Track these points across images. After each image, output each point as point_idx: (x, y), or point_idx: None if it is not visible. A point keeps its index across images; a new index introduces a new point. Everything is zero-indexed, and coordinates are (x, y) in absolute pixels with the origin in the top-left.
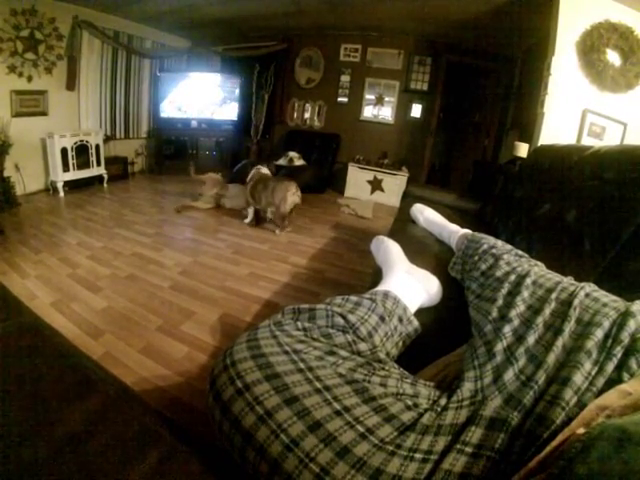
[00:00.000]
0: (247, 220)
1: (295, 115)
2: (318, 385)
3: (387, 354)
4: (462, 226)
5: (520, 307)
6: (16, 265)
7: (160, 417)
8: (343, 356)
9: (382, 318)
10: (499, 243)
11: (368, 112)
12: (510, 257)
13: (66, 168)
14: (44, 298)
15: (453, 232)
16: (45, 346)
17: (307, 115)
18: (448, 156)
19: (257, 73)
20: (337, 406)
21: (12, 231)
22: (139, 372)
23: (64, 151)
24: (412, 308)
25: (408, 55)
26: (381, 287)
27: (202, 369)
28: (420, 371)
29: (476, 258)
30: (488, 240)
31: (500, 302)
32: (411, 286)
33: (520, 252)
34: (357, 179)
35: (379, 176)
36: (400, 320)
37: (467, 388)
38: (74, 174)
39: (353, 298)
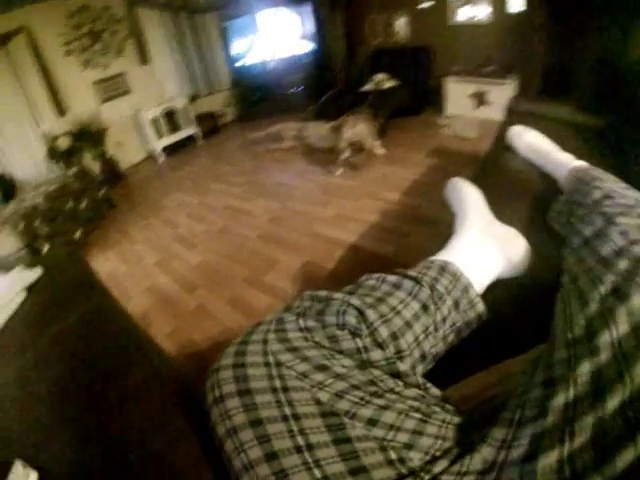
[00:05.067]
0: (337, 172)
1: (377, 32)
2: (287, 411)
3: (422, 356)
4: (580, 155)
5: (623, 326)
6: (127, 233)
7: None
8: (338, 373)
9: (425, 307)
10: (619, 189)
11: (457, 15)
12: (630, 220)
13: (159, 135)
14: (149, 259)
15: (561, 164)
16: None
17: (389, 30)
18: (569, 52)
19: None
20: (300, 441)
21: (122, 203)
22: (226, 323)
23: (154, 121)
24: (481, 283)
25: None
26: (442, 254)
27: None
28: (462, 381)
29: (581, 212)
30: (603, 182)
31: (594, 309)
32: (484, 251)
33: None
34: (457, 94)
35: (482, 88)
36: (456, 305)
37: (481, 456)
38: (167, 139)
39: (391, 278)
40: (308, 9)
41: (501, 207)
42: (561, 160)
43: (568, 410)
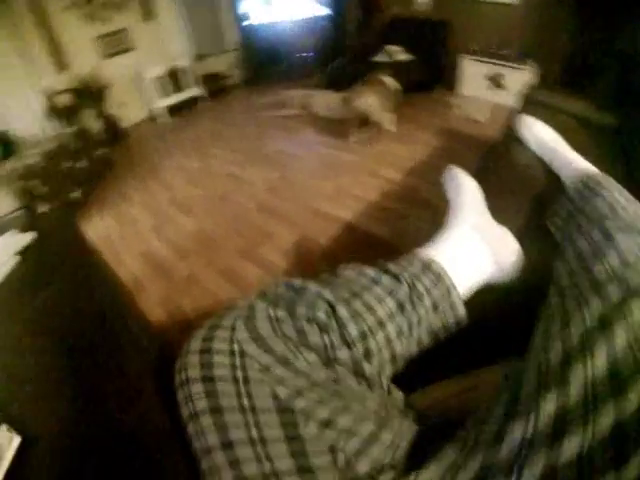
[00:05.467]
0: (353, 139)
1: (395, 0)
2: (245, 403)
3: (392, 358)
4: (590, 154)
5: (601, 365)
6: (125, 194)
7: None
8: (300, 369)
9: (401, 306)
10: (624, 201)
11: None
12: (630, 240)
13: (163, 94)
14: (145, 222)
15: (569, 163)
16: None
17: None
18: (589, 47)
19: None
20: (254, 434)
21: (122, 163)
22: (216, 294)
23: (157, 80)
24: (466, 285)
25: None
26: (429, 248)
27: None
28: (430, 387)
29: (580, 221)
30: (609, 192)
31: (574, 337)
32: (473, 251)
33: None
34: (473, 74)
35: (499, 70)
36: (435, 307)
37: (429, 476)
38: (170, 99)
39: (370, 272)
40: None
41: (499, 202)
42: (570, 159)
43: (523, 447)
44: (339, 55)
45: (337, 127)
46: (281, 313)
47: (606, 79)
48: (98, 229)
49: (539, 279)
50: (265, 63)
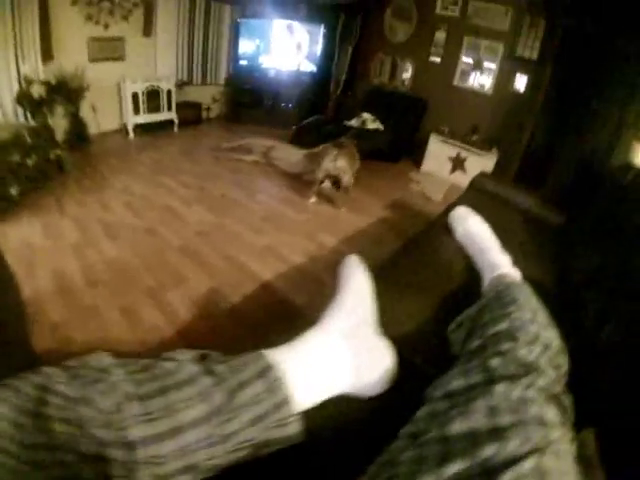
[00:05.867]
0: (311, 200)
1: (380, 72)
2: None
3: (188, 467)
4: (529, 247)
5: None
6: (62, 203)
7: None
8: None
9: (210, 415)
10: (531, 327)
11: (463, 77)
12: (513, 392)
13: (136, 111)
14: (69, 238)
15: (492, 265)
16: None
17: (392, 73)
18: (553, 145)
19: (342, 23)
20: None
21: (73, 169)
22: (110, 332)
23: (135, 95)
24: (312, 397)
25: (517, 14)
26: (279, 350)
27: (162, 343)
28: None
29: (473, 345)
30: (518, 310)
31: None
32: (331, 361)
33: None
34: (438, 153)
35: (463, 154)
36: (259, 419)
37: None
38: (144, 117)
39: (191, 369)
40: (320, 31)
41: (405, 299)
42: (494, 261)
43: None
44: (317, 112)
45: (294, 182)
46: (71, 392)
47: (563, 177)
48: (22, 233)
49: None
50: (246, 104)
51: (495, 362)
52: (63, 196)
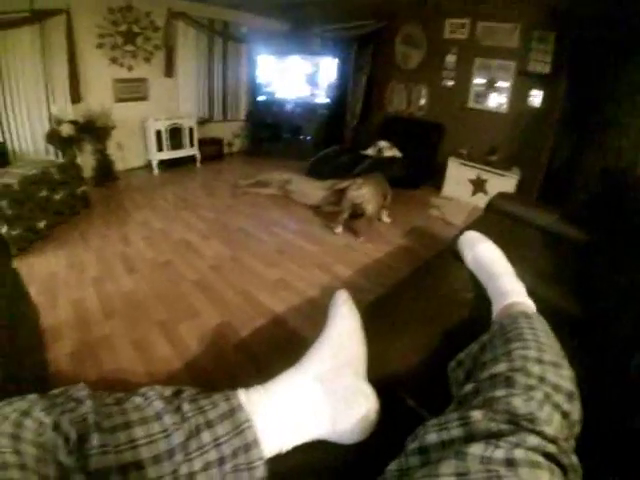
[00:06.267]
0: (337, 230)
1: (394, 100)
2: None
3: None
4: (548, 268)
5: None
6: (86, 237)
7: None
8: None
9: (171, 452)
10: (534, 369)
11: (477, 98)
12: (496, 455)
13: (160, 148)
14: (91, 271)
15: (501, 293)
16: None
17: (407, 100)
18: (576, 159)
19: (355, 54)
20: None
21: (98, 204)
22: (121, 363)
23: (158, 133)
24: (284, 442)
25: (526, 30)
26: (252, 390)
27: (169, 375)
28: None
29: (467, 388)
30: (526, 344)
31: None
32: (307, 408)
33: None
34: (458, 176)
35: (483, 175)
36: (221, 462)
37: None
38: (167, 154)
39: (157, 405)
40: (334, 63)
41: (401, 334)
42: (505, 289)
43: None
44: (334, 143)
45: (310, 215)
46: (46, 419)
47: (586, 192)
48: (47, 265)
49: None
50: (266, 138)
51: (477, 414)
52: (87, 230)
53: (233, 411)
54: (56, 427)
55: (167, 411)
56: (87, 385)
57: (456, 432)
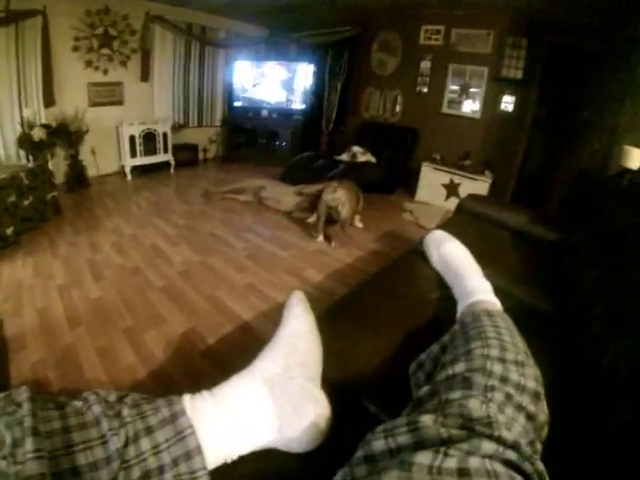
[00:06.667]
0: (319, 239)
1: (370, 105)
2: None
3: None
4: (519, 265)
5: None
6: (55, 244)
7: None
8: None
9: (108, 460)
10: (495, 370)
11: (451, 104)
12: (448, 462)
13: (133, 154)
14: (57, 279)
15: (466, 292)
16: None
17: (382, 106)
18: (549, 162)
19: (331, 60)
20: None
21: (69, 210)
22: (85, 372)
23: (132, 138)
24: (225, 450)
25: (499, 36)
26: (197, 396)
27: (134, 384)
28: None
29: (423, 391)
30: (488, 342)
31: None
32: (252, 413)
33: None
34: (431, 181)
35: (456, 179)
36: (166, 467)
37: None
38: (141, 160)
39: (94, 410)
40: (311, 69)
41: (362, 336)
42: (470, 288)
43: None
44: (310, 149)
45: (283, 220)
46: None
47: (558, 193)
48: (14, 272)
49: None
50: (242, 144)
51: (427, 419)
52: (56, 237)
53: (175, 417)
54: None
55: (106, 416)
56: (30, 388)
57: (403, 439)
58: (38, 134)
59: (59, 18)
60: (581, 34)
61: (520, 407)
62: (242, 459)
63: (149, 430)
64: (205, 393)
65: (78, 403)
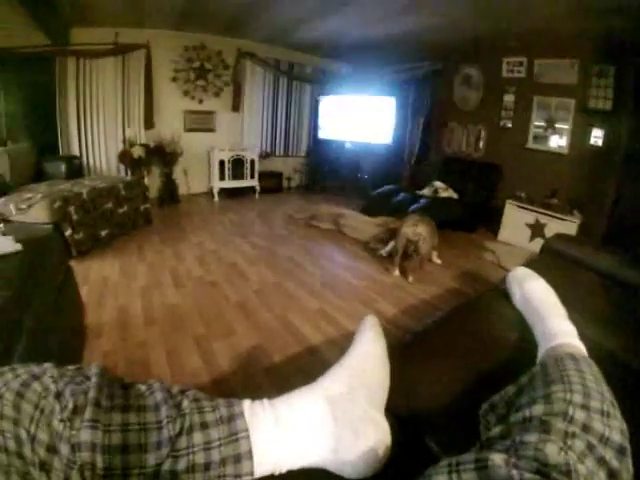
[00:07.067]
0: (395, 273)
1: (452, 140)
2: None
3: None
4: (601, 323)
5: None
6: (142, 250)
7: None
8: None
9: (158, 445)
10: (580, 414)
11: (536, 139)
12: None
13: (222, 177)
14: (140, 281)
15: (549, 334)
16: None
17: (465, 141)
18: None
19: (413, 95)
20: None
21: (158, 222)
22: (150, 368)
23: (222, 163)
24: (275, 460)
25: (584, 65)
26: (257, 402)
27: (195, 388)
28: None
29: (496, 430)
30: (570, 387)
31: None
32: (309, 428)
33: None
34: (515, 220)
35: (542, 219)
36: (213, 466)
37: None
38: (228, 183)
39: (159, 397)
40: (394, 104)
41: (433, 370)
42: (553, 330)
43: None
44: (392, 182)
45: (359, 250)
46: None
47: None
48: (103, 270)
49: None
50: (325, 174)
51: (498, 458)
52: (144, 244)
53: (232, 417)
54: (58, 395)
55: (166, 403)
56: (100, 366)
57: (469, 476)
58: (137, 152)
59: (161, 52)
60: None
61: (602, 460)
62: (290, 474)
63: (204, 425)
64: (265, 401)
65: (142, 387)
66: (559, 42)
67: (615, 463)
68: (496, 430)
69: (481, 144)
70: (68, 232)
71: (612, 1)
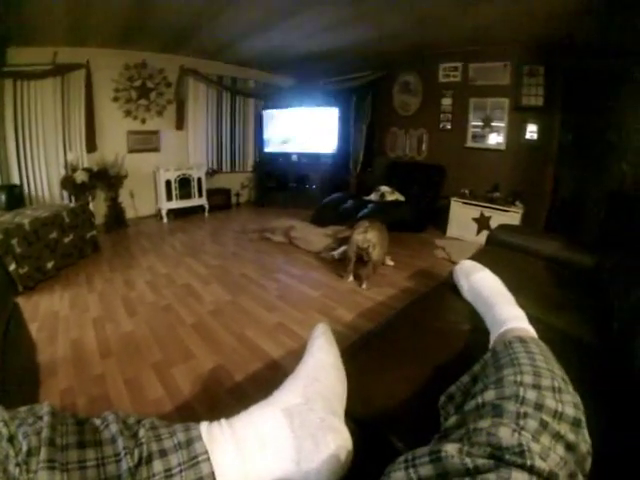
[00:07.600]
0: (349, 279)
1: (396, 146)
2: None
3: None
4: (549, 305)
5: None
6: (92, 279)
7: None
8: None
9: (119, 478)
10: (532, 393)
11: (475, 138)
12: None
13: (169, 198)
14: (92, 312)
15: (498, 321)
16: None
17: (408, 145)
18: (580, 187)
19: (355, 104)
20: None
21: (106, 249)
22: (112, 401)
23: (168, 183)
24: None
25: (515, 66)
26: (215, 423)
27: (159, 416)
28: None
29: (451, 421)
30: (521, 369)
31: None
32: (269, 444)
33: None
34: (461, 216)
35: (487, 212)
36: None
37: None
38: (176, 203)
39: (111, 429)
40: (337, 114)
41: (390, 369)
42: (502, 316)
43: None
44: (339, 191)
45: (312, 260)
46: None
47: (592, 217)
48: (51, 304)
49: None
50: (273, 188)
51: (451, 448)
52: (93, 273)
53: (190, 441)
54: (11, 439)
55: (122, 435)
56: (51, 404)
57: (425, 470)
58: (80, 177)
59: (101, 71)
60: (599, 56)
61: (558, 435)
62: None
63: (163, 453)
64: (223, 421)
65: (97, 421)
66: (492, 46)
67: (571, 436)
68: (452, 420)
69: (424, 147)
70: (12, 267)
71: (540, 10)
